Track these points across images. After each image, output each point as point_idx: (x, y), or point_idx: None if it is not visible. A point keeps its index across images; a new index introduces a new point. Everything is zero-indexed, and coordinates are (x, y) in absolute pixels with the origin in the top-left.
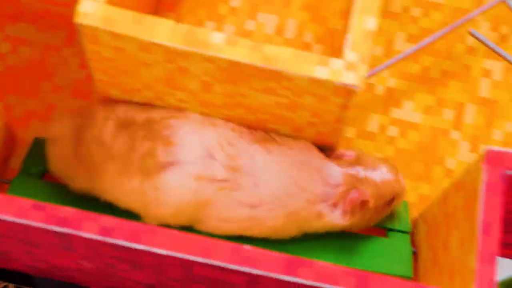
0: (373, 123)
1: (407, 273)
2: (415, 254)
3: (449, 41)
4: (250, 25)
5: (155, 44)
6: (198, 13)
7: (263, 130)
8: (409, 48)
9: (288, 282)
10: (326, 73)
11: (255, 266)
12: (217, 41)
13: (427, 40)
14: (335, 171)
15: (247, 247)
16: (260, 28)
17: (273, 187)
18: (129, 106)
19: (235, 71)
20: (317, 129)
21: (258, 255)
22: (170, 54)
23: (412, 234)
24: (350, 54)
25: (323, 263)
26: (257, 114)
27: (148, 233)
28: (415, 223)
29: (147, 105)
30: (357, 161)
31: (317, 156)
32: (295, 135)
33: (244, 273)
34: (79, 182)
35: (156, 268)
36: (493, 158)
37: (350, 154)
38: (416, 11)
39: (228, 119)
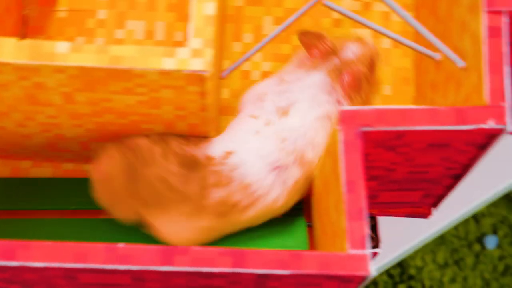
0: None
1: (302, 246)
2: (311, 227)
3: (314, 17)
4: (119, 34)
5: (2, 64)
6: (67, 31)
7: (136, 132)
8: (275, 30)
9: (170, 272)
10: (174, 63)
11: (131, 262)
12: (62, 51)
13: (289, 20)
14: (320, 79)
15: (121, 245)
16: (130, 35)
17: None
18: (179, 139)
19: (87, 77)
20: (187, 121)
21: (132, 251)
22: (21, 71)
23: (306, 209)
24: (194, 41)
25: (199, 248)
26: (127, 117)
27: (21, 248)
28: (307, 199)
29: (190, 136)
30: (327, 55)
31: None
32: (169, 131)
33: (124, 271)
34: (129, 214)
35: (45, 284)
36: (347, 118)
37: (316, 53)
38: None
39: (101, 127)
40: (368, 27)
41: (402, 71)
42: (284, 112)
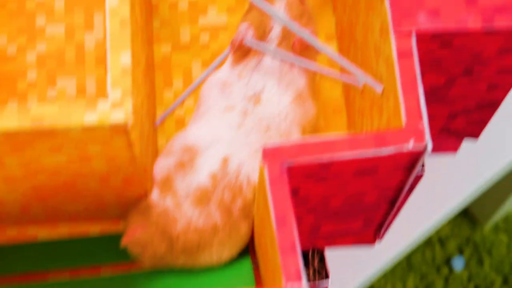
0: None
1: (248, 284)
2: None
3: None
4: (52, 92)
5: None
6: None
7: (72, 191)
8: (203, 73)
9: None
10: (95, 117)
11: None
12: None
13: (216, 61)
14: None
15: None
16: (62, 93)
17: None
18: (173, 191)
19: (12, 139)
20: (120, 174)
21: None
22: None
23: (253, 249)
24: (113, 92)
25: None
26: (60, 176)
27: None
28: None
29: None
30: (261, 24)
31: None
32: (103, 186)
33: None
34: (177, 264)
35: None
36: (270, 154)
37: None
38: (204, 37)
39: (36, 188)
40: (296, 63)
41: (332, 100)
42: (256, 100)
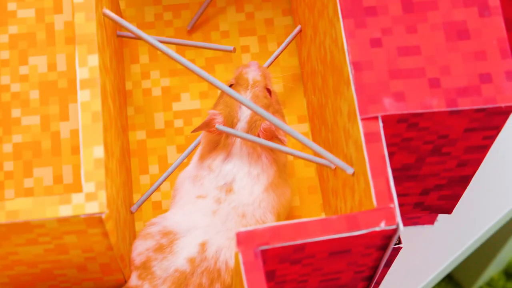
0: None
1: None
2: None
3: None
4: (28, 183)
5: None
6: None
7: (51, 280)
8: (179, 158)
9: None
10: (70, 209)
11: None
12: None
13: (191, 146)
14: (241, 150)
15: None
16: (38, 183)
17: None
18: (151, 275)
19: None
20: (98, 262)
21: None
22: None
23: None
24: (87, 186)
25: None
26: (38, 266)
27: None
28: None
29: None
30: (230, 115)
31: None
32: (81, 275)
33: None
34: None
35: None
36: (243, 239)
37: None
38: (178, 123)
39: (15, 278)
40: (268, 146)
41: (307, 180)
42: (228, 189)
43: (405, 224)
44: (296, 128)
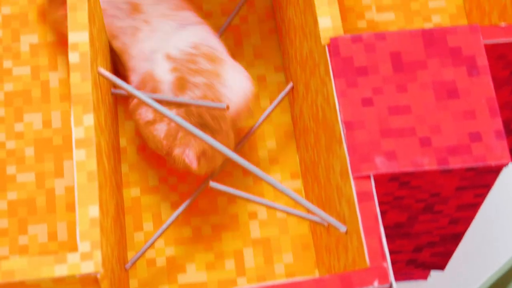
0: None
1: None
2: None
3: (209, 196)
4: (23, 240)
5: None
6: None
7: None
8: (173, 215)
9: None
10: (65, 269)
11: None
12: None
13: (185, 203)
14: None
15: None
16: (33, 240)
17: None
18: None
19: None
20: None
21: None
22: None
23: None
24: (82, 245)
25: None
26: None
27: None
28: None
29: None
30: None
31: None
32: None
33: None
34: None
35: None
36: None
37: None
38: (173, 180)
39: None
40: (260, 204)
41: (300, 237)
42: None
43: (398, 280)
44: (289, 184)
